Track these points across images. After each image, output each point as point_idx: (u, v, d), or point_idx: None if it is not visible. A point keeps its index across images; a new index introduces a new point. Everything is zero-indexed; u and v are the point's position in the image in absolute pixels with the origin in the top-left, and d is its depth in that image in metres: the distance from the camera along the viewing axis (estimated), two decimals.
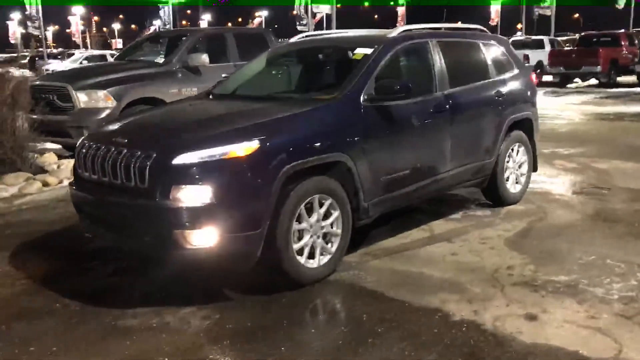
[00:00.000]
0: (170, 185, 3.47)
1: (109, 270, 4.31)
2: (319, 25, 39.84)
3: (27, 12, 32.85)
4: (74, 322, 3.54)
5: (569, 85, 21.31)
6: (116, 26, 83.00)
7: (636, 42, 22.18)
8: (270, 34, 10.09)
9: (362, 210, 4.22)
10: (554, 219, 5.29)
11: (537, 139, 5.98)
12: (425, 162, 4.74)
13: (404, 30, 4.91)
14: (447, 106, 4.85)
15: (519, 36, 28.28)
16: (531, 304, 3.59)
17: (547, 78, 22.16)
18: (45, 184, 6.46)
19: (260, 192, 3.57)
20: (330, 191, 3.96)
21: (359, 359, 3.05)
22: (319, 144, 3.88)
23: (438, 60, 4.93)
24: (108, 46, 65.76)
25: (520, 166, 5.81)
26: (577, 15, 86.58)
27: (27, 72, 11.44)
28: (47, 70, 21.93)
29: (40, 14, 32.95)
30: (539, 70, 21.49)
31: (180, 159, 3.48)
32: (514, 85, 5.70)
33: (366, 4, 65.84)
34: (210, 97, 4.96)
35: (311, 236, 3.90)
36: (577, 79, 21.82)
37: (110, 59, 24.04)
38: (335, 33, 5.84)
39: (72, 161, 5.31)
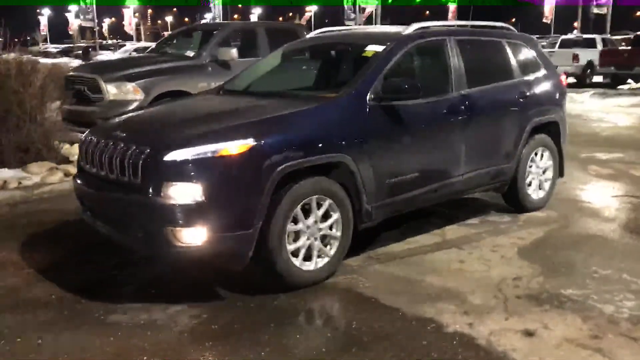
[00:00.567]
0: (161, 181, 3.43)
1: (111, 263, 4.32)
2: (368, 21, 39.63)
3: (81, 5, 33.88)
4: (65, 315, 3.54)
5: (620, 87, 20.48)
6: (169, 19, 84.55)
7: None
8: (302, 28, 9.98)
9: (364, 213, 4.09)
10: (576, 228, 5.04)
11: (564, 143, 5.71)
12: (436, 165, 4.58)
13: (420, 28, 4.74)
14: (463, 107, 4.66)
15: (570, 35, 27.32)
16: (532, 318, 3.41)
17: (597, 79, 21.37)
18: (68, 173, 6.56)
19: (252, 191, 3.49)
20: (330, 192, 3.85)
21: None
22: (318, 143, 3.77)
23: (455, 59, 4.74)
24: (160, 38, 66.97)
25: (544, 171, 5.57)
26: (639, 13, 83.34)
27: (63, 61, 11.67)
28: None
29: (94, 7, 33.88)
30: (589, 71, 20.70)
31: (172, 156, 3.44)
32: (540, 87, 5.45)
33: (417, 1, 64.99)
34: (221, 92, 4.91)
35: (308, 238, 3.81)
36: (630, 80, 20.93)
37: None
38: (353, 29, 5.69)
39: None
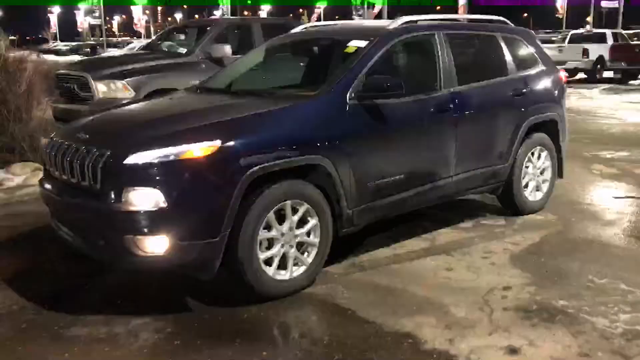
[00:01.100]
0: (121, 186, 3.21)
1: (81, 271, 4.10)
2: (377, 18, 39.25)
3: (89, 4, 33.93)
4: (23, 328, 3.35)
5: (631, 82, 20.05)
6: (179, 16, 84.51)
7: None
8: (298, 24, 9.73)
9: (345, 218, 3.86)
10: (574, 233, 4.77)
11: (563, 142, 5.43)
12: (423, 166, 4.33)
13: (407, 22, 4.48)
14: (452, 105, 4.41)
15: (581, 29, 26.83)
16: (518, 333, 3.16)
17: (608, 74, 20.92)
18: None
19: (219, 196, 3.27)
20: (306, 197, 3.62)
21: None
22: (292, 145, 3.54)
23: (445, 55, 4.48)
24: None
25: (542, 172, 5.30)
26: None
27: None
28: None
29: (101, 6, 33.86)
30: (599, 66, 20.25)
31: (133, 159, 3.22)
32: (537, 84, 5.19)
33: None
34: (198, 91, 4.68)
35: (282, 245, 3.58)
36: None
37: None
38: (341, 24, 5.45)
39: None
